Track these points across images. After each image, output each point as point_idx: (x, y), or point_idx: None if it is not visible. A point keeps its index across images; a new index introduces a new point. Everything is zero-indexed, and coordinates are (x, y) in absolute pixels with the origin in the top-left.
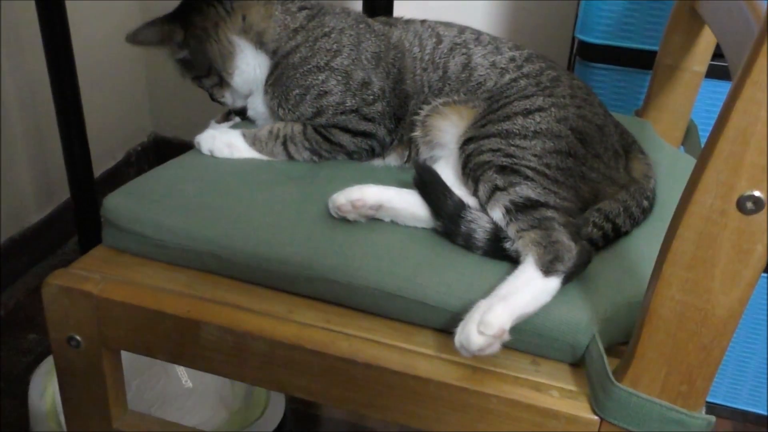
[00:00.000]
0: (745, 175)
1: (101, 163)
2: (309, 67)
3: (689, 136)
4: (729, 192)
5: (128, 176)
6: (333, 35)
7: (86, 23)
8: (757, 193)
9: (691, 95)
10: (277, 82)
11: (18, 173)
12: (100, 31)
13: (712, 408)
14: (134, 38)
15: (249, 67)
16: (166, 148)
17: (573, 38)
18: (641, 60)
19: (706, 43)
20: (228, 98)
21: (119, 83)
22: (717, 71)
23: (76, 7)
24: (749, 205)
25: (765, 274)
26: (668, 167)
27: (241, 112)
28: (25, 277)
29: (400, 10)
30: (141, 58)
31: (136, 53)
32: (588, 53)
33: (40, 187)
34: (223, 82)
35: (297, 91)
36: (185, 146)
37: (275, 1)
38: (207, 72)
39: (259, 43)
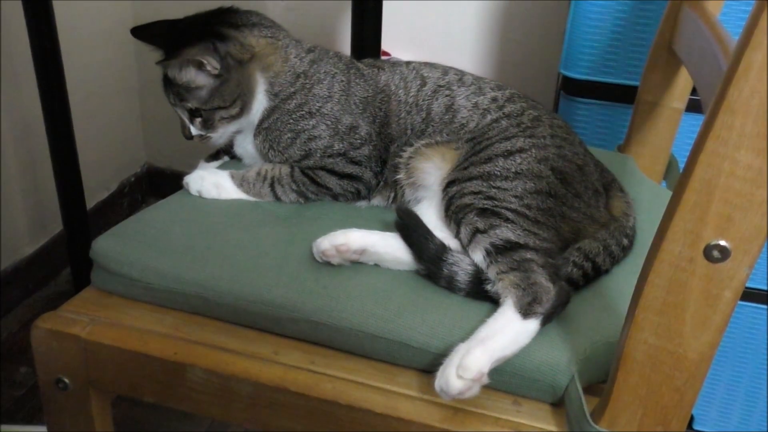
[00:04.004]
0: (711, 225)
1: (95, 194)
2: (302, 113)
3: (670, 171)
4: (696, 241)
5: (121, 207)
6: (326, 81)
7: (80, 55)
8: (723, 242)
9: (672, 131)
10: (271, 126)
11: (12, 205)
12: (94, 63)
13: None
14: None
15: (257, 106)
16: (159, 178)
17: (558, 74)
18: (624, 95)
19: (684, 80)
20: (218, 133)
21: (113, 114)
22: (699, 105)
23: (69, 39)
24: (716, 253)
25: (765, 306)
26: (649, 203)
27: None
28: (17, 309)
29: (387, 45)
30: (134, 89)
31: (129, 84)
32: (572, 88)
33: (34, 219)
34: (240, 115)
35: (288, 135)
36: (179, 177)
37: (291, 47)
38: (231, 103)
39: (270, 85)
